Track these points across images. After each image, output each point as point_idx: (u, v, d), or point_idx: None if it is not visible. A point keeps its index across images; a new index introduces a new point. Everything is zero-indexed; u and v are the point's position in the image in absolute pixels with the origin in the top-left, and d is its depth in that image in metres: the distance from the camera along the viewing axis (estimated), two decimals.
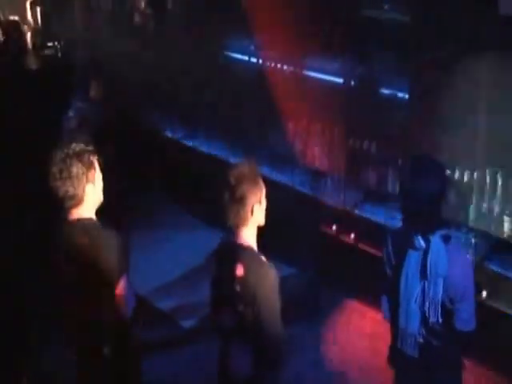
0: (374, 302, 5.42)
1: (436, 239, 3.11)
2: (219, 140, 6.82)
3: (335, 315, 5.59)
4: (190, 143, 7.15)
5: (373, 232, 5.19)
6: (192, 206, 7.08)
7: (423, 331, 3.20)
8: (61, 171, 3.26)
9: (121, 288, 3.36)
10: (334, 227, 5.61)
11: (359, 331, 5.35)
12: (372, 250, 5.04)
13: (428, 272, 3.11)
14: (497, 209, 4.58)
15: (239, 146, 6.49)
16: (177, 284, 6.05)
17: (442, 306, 3.14)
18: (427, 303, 3.15)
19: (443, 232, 3.13)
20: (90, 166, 3.34)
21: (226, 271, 3.15)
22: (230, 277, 3.11)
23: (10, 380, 4.41)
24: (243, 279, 3.07)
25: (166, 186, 7.33)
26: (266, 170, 6.00)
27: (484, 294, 4.56)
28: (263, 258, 3.16)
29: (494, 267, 4.59)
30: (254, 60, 6.26)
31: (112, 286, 3.34)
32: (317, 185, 5.80)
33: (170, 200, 7.35)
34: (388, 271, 3.36)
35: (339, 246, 5.62)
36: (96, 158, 3.40)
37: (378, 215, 5.35)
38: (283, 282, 3.18)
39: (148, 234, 6.64)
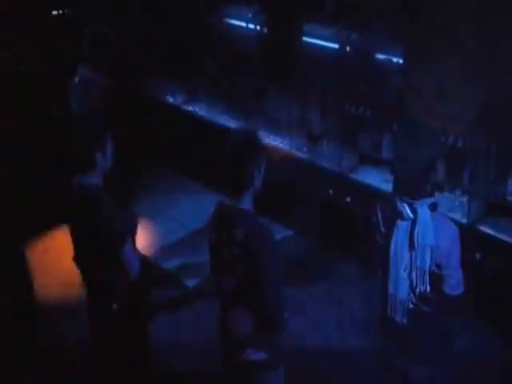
0: (371, 264, 5.57)
1: (423, 209, 3.17)
2: (219, 104, 6.86)
3: (332, 277, 5.69)
4: (190, 108, 7.19)
5: (368, 195, 5.31)
6: (193, 170, 7.18)
7: (412, 298, 3.29)
8: (75, 133, 3.37)
9: (125, 252, 3.49)
10: (331, 190, 5.71)
11: (356, 292, 5.47)
12: (367, 213, 5.15)
13: (415, 242, 3.18)
14: (490, 173, 4.66)
15: (239, 111, 6.54)
16: (180, 245, 6.19)
17: (430, 274, 3.22)
18: (414, 272, 3.22)
19: (430, 201, 3.20)
20: (104, 135, 3.44)
21: (225, 235, 3.13)
22: (229, 241, 3.10)
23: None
24: (244, 243, 3.06)
25: (168, 152, 7.39)
26: (264, 135, 6.09)
27: (477, 256, 4.71)
28: (263, 221, 3.16)
29: (486, 229, 4.71)
30: (251, 26, 6.27)
31: (116, 249, 3.47)
32: (314, 149, 5.88)
33: (173, 165, 7.43)
34: (378, 239, 3.44)
35: (335, 209, 5.73)
36: (110, 129, 3.49)
37: (373, 179, 5.44)
38: (280, 244, 3.25)
39: (152, 199, 6.82)
